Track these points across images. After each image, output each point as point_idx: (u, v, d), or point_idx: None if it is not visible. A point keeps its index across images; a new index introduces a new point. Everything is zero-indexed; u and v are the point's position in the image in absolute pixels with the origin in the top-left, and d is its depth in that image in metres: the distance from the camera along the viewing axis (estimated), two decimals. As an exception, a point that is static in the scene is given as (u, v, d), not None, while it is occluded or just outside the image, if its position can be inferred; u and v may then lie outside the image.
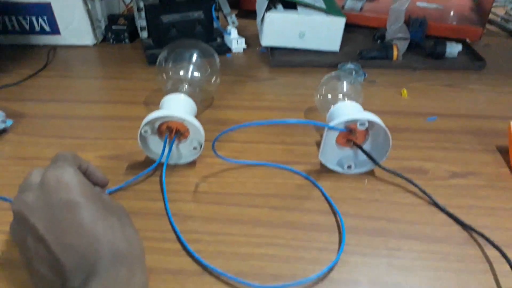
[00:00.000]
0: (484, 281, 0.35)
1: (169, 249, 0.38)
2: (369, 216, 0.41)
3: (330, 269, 0.36)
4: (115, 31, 0.77)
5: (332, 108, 0.48)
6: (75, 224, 0.28)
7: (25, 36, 0.76)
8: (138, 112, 0.58)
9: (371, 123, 0.44)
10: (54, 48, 0.76)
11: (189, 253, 0.37)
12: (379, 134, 0.45)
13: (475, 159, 0.49)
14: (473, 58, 0.72)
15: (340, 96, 0.51)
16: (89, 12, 0.74)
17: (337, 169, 0.47)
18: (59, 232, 0.28)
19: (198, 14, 0.70)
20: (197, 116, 0.57)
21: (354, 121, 0.43)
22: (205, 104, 0.60)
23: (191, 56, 0.58)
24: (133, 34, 0.79)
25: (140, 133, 0.45)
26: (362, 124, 0.43)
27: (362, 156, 0.47)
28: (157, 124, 0.47)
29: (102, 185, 0.39)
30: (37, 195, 0.30)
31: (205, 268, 0.36)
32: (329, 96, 0.52)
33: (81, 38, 0.76)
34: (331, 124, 0.43)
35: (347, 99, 0.50)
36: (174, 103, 0.49)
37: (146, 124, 0.45)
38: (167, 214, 0.41)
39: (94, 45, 0.78)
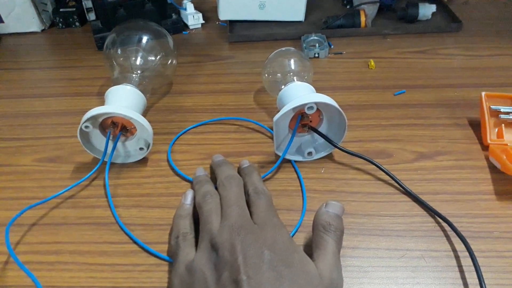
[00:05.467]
0: (446, 278, 0.32)
1: (103, 264, 0.35)
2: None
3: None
4: (63, 15, 0.71)
5: (280, 92, 0.44)
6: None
7: (-33, 27, 0.71)
8: (84, 105, 0.53)
9: (321, 104, 0.40)
10: (-1, 37, 0.71)
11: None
12: (332, 113, 0.41)
13: (444, 136, 0.45)
14: (448, 19, 0.67)
15: (289, 74, 0.47)
16: (30, -5, 0.68)
17: (297, 158, 0.43)
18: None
19: (146, -10, 0.64)
20: (152, 106, 0.53)
21: (301, 107, 0.39)
22: (162, 91, 0.56)
23: (140, 39, 0.53)
24: (84, 17, 0.73)
25: (81, 129, 0.41)
26: (310, 108, 0.39)
27: (321, 139, 0.43)
28: (100, 119, 0.43)
29: None
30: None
31: None
32: (278, 75, 0.48)
33: (26, 25, 0.70)
34: (276, 117, 0.39)
35: (296, 77, 0.46)
36: (119, 96, 0.45)
37: (87, 120, 0.41)
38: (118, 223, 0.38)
39: (42, 31, 0.72)
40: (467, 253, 0.33)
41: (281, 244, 0.30)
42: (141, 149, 0.43)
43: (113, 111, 0.41)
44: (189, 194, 0.38)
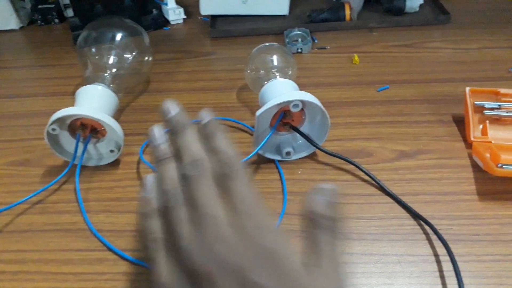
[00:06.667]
0: (423, 284, 0.31)
1: (68, 273, 0.33)
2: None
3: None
4: (42, 11, 0.69)
5: (262, 88, 0.43)
6: None
7: None
8: (59, 105, 0.49)
9: (306, 102, 0.38)
10: (-23, 35, 0.69)
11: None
12: (316, 113, 0.40)
13: (427, 133, 0.44)
14: (437, 11, 0.65)
15: (272, 71, 0.45)
16: (7, -9, 0.66)
17: (276, 157, 0.42)
18: None
19: (125, -15, 0.62)
20: (128, 105, 0.51)
21: (286, 103, 0.38)
22: (139, 89, 0.54)
23: (113, 37, 0.51)
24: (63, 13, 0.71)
25: (48, 132, 0.39)
26: (295, 105, 0.38)
27: (301, 139, 0.42)
28: (68, 121, 0.41)
29: None
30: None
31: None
32: (261, 71, 0.46)
33: (3, 23, 0.69)
34: (259, 111, 0.38)
35: (279, 74, 0.44)
36: (88, 97, 0.43)
37: (54, 122, 0.39)
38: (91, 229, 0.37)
39: (21, 28, 0.70)
40: (446, 257, 0.31)
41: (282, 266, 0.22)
42: (111, 151, 0.42)
43: (79, 112, 0.39)
44: (150, 182, 0.28)
